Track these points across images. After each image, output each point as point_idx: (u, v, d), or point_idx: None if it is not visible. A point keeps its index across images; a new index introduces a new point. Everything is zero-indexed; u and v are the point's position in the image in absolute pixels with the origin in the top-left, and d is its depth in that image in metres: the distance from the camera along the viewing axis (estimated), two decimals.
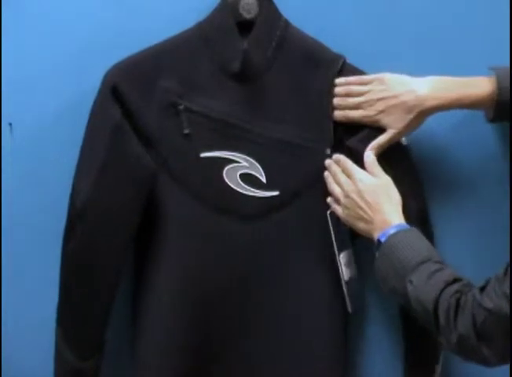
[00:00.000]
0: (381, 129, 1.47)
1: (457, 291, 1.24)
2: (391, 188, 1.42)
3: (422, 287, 1.26)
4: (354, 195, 1.40)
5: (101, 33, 1.52)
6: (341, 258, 1.49)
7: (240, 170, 1.47)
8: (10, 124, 1.52)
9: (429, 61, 1.55)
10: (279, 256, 1.49)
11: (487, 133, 1.56)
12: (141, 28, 1.51)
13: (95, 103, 1.45)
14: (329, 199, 1.46)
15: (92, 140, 1.45)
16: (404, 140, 1.50)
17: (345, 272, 1.49)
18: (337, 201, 1.45)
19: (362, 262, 1.56)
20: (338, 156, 1.45)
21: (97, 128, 1.45)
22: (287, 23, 1.50)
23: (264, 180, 1.48)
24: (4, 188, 1.53)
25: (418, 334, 1.50)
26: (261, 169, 1.48)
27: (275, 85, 1.48)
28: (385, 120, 1.44)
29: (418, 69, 1.50)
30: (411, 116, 1.43)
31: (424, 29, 1.56)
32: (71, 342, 1.47)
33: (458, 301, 1.23)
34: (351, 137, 1.48)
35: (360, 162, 1.46)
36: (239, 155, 1.47)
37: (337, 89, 1.48)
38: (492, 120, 1.46)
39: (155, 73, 1.46)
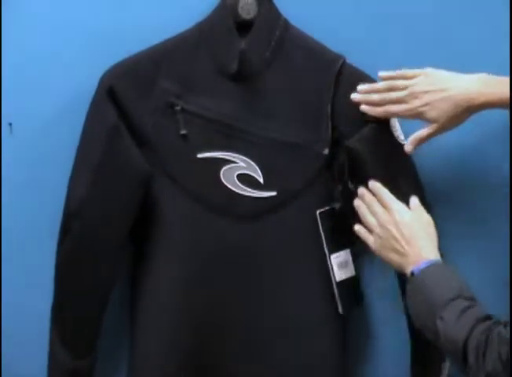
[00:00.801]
0: (381, 130, 1.47)
1: (487, 329, 1.22)
2: (430, 226, 1.38)
3: (453, 325, 1.24)
4: (390, 226, 1.36)
5: (101, 33, 1.52)
6: (334, 259, 1.49)
7: (237, 170, 1.47)
8: (10, 124, 1.53)
9: (429, 61, 1.52)
10: (277, 256, 1.49)
11: (490, 136, 1.56)
12: (141, 28, 1.51)
13: (91, 104, 1.46)
14: (357, 227, 1.43)
15: (88, 141, 1.46)
16: (402, 139, 1.49)
17: (337, 273, 1.49)
18: (369, 231, 1.41)
19: (362, 262, 1.57)
20: (373, 184, 1.42)
21: (93, 129, 1.46)
22: (286, 24, 1.50)
23: (261, 180, 1.48)
24: (4, 188, 1.53)
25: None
26: (258, 169, 1.48)
27: (273, 85, 1.48)
28: (430, 114, 1.40)
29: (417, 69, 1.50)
30: (458, 111, 1.39)
31: (424, 29, 1.56)
32: (65, 341, 1.48)
33: (487, 338, 1.21)
34: (349, 137, 1.47)
35: (358, 162, 1.46)
36: (237, 155, 1.47)
37: (379, 85, 1.46)
38: None
39: (153, 74, 1.46)
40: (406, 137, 1.48)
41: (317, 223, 1.49)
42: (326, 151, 1.48)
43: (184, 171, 1.47)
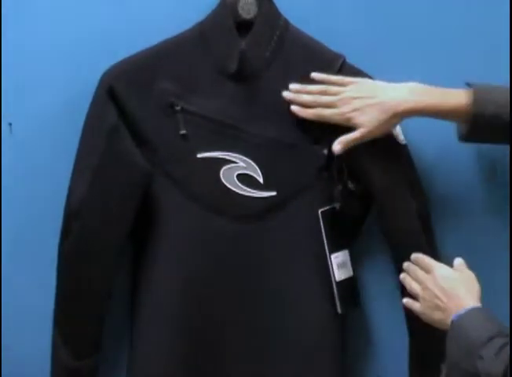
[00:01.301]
0: None
1: None
2: (472, 279, 1.37)
3: (492, 361, 1.23)
4: (432, 286, 1.36)
5: (101, 33, 1.52)
6: (334, 259, 1.50)
7: (237, 170, 1.47)
8: (10, 124, 1.53)
9: (428, 61, 1.55)
10: (276, 256, 1.49)
11: None
12: (141, 28, 1.52)
13: (91, 104, 1.46)
14: (405, 300, 1.42)
15: (88, 140, 1.46)
16: (402, 139, 1.50)
17: (336, 273, 1.50)
18: (415, 298, 1.41)
19: (361, 262, 1.57)
20: (415, 255, 1.42)
21: (93, 129, 1.46)
22: (286, 23, 1.50)
23: (261, 180, 1.48)
24: (4, 188, 1.53)
25: (423, 333, 1.50)
26: (258, 169, 1.48)
27: (273, 85, 1.48)
28: (358, 119, 1.44)
29: (417, 69, 1.51)
30: (385, 117, 1.43)
31: (423, 29, 1.56)
32: (67, 341, 1.48)
33: None
34: None
35: (357, 162, 1.47)
36: (236, 155, 1.47)
37: (312, 87, 1.47)
38: (466, 137, 1.45)
39: (153, 74, 1.46)
40: (405, 137, 1.50)
41: (317, 223, 1.49)
42: (325, 151, 1.48)
43: (184, 171, 1.47)
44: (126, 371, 1.54)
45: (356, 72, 1.50)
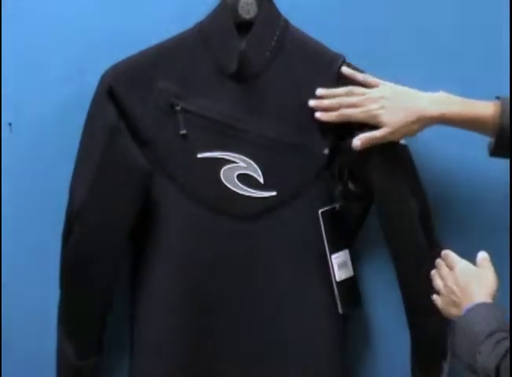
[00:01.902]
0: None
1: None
2: (488, 274, 1.36)
3: (488, 356, 1.24)
4: (450, 282, 1.37)
5: (101, 33, 1.53)
6: (334, 259, 1.50)
7: (237, 170, 1.47)
8: (10, 124, 1.53)
9: (428, 61, 1.55)
10: (276, 256, 1.50)
11: None
12: (141, 28, 1.52)
13: (92, 104, 1.46)
14: (435, 297, 1.41)
15: (88, 141, 1.46)
16: (403, 140, 1.49)
17: (337, 273, 1.50)
18: (438, 293, 1.41)
19: (362, 262, 1.57)
20: (444, 252, 1.42)
21: (94, 129, 1.46)
22: (286, 23, 1.50)
23: (261, 180, 1.48)
24: (4, 188, 1.54)
25: (425, 331, 1.51)
26: (258, 169, 1.48)
27: (274, 85, 1.48)
28: (384, 117, 1.44)
29: (417, 69, 1.51)
30: (410, 121, 1.43)
31: (423, 29, 1.56)
32: (71, 341, 1.48)
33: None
34: (350, 137, 1.47)
35: (358, 162, 1.47)
36: (237, 155, 1.47)
37: (337, 90, 1.47)
38: (493, 151, 1.44)
39: (153, 74, 1.46)
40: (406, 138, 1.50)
41: (317, 223, 1.49)
42: (326, 151, 1.49)
43: (185, 171, 1.47)
44: (127, 372, 1.53)
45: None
